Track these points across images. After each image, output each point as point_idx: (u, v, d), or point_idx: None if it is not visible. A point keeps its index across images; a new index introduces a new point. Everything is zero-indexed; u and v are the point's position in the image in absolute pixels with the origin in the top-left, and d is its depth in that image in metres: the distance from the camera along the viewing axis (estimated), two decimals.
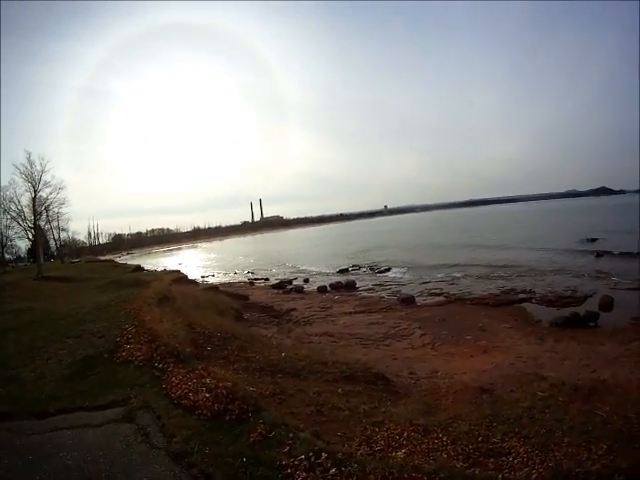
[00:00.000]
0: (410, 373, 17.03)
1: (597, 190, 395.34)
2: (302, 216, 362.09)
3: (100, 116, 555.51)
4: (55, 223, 72.53)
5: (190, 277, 51.46)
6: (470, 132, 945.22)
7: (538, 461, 7.20)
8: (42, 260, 61.14)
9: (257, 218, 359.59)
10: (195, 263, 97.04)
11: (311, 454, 7.10)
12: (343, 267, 58.97)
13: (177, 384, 10.33)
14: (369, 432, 8.87)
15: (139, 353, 12.92)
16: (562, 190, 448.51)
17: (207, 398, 9.18)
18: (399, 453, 7.85)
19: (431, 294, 36.75)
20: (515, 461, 7.36)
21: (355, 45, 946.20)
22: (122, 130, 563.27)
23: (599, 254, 48.34)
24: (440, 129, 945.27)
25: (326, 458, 7.00)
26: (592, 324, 24.15)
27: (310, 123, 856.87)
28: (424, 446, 8.14)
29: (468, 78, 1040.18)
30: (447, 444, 8.17)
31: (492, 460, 7.47)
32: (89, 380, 11.75)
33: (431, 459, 7.52)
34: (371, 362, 16.72)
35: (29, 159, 47.88)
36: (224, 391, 9.18)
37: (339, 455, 7.10)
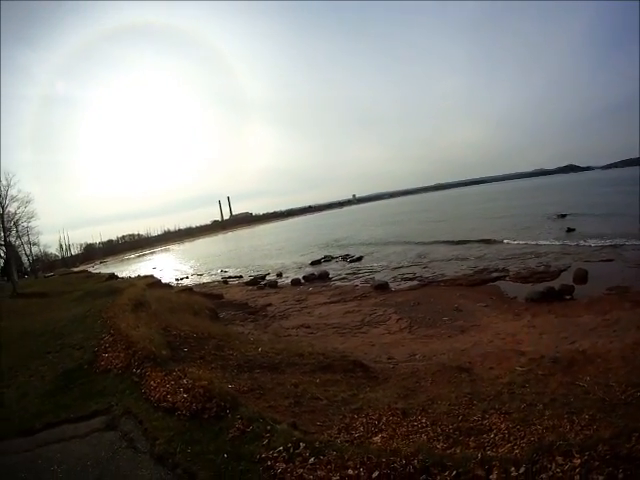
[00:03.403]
0: (388, 358, 17.06)
1: (564, 168, 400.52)
2: (271, 211, 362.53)
3: (61, 124, 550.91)
4: (26, 238, 71.22)
5: (164, 281, 51.19)
6: (433, 119, 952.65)
7: (520, 436, 7.28)
8: (16, 277, 60.28)
9: (227, 216, 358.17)
10: (168, 266, 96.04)
11: (289, 445, 7.29)
12: (315, 259, 59.19)
13: (155, 387, 10.54)
14: (348, 419, 9.05)
15: (117, 361, 13.12)
16: (530, 169, 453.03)
17: (185, 398, 9.40)
18: (377, 438, 8.02)
19: (404, 279, 37.25)
20: (496, 438, 7.44)
21: (313, 40, 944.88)
22: (84, 137, 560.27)
23: (570, 229, 48.90)
24: (403, 117, 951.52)
25: (304, 448, 7.16)
26: (568, 297, 24.59)
27: (272, 119, 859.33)
28: (403, 429, 8.27)
29: (427, 66, 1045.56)
30: (426, 426, 8.28)
31: (473, 438, 7.56)
32: (71, 393, 11.92)
33: (410, 442, 7.58)
34: (349, 350, 17.08)
35: None
36: (201, 390, 9.37)
37: (317, 444, 7.25)
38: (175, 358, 12.78)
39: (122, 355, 13.36)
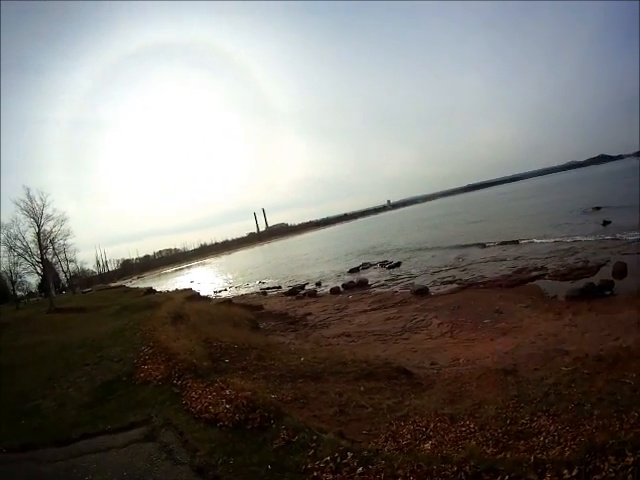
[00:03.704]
0: (431, 364, 16.71)
1: (596, 158, 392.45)
2: (306, 221, 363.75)
3: (92, 145, 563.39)
4: (62, 255, 72.41)
5: (202, 294, 51.34)
6: (460, 119, 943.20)
7: (570, 437, 6.98)
8: (53, 293, 61.45)
9: (262, 228, 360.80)
10: (206, 279, 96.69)
11: (337, 455, 7.00)
12: (353, 266, 58.47)
13: (197, 399, 10.27)
14: (394, 427, 8.75)
15: (157, 373, 12.91)
16: (562, 163, 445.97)
17: (228, 409, 9.11)
18: (426, 445, 7.70)
19: (444, 282, 36.44)
20: (546, 440, 7.12)
21: (336, 46, 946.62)
22: (117, 156, 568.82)
23: (606, 222, 47.37)
24: (430, 120, 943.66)
25: (352, 457, 6.88)
26: (608, 293, 23.76)
27: (303, 128, 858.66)
28: (452, 435, 8.00)
29: (454, 64, 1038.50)
30: (475, 431, 8.02)
31: (522, 442, 7.25)
32: (110, 404, 11.76)
33: (460, 448, 7.32)
34: (391, 357, 16.73)
35: (29, 194, 48.33)
36: (244, 401, 9.09)
37: (365, 453, 6.96)
38: (217, 369, 12.61)
39: (162, 367, 13.18)
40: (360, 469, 6.60)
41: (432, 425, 8.49)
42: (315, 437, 7.69)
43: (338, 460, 6.90)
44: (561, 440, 6.98)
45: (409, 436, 8.26)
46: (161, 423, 9.76)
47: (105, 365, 15.27)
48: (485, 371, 12.34)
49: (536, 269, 33.12)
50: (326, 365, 13.60)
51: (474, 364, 15.35)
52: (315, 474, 6.80)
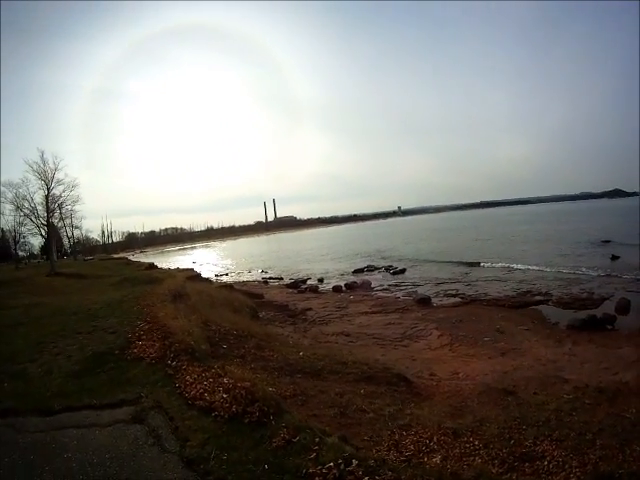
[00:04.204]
0: (430, 374, 16.73)
1: (611, 192, 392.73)
2: (315, 216, 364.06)
3: (113, 116, 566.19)
4: (68, 221, 74.51)
5: (204, 275, 51.75)
6: (481, 131, 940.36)
7: (575, 464, 7.07)
8: (55, 257, 61.92)
9: (271, 218, 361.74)
10: (209, 262, 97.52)
11: (340, 461, 6.48)
12: (358, 267, 58.55)
13: (192, 383, 9.70)
14: (397, 436, 8.46)
15: (151, 350, 12.33)
16: (575, 192, 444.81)
17: (225, 399, 8.51)
18: (434, 459, 7.43)
19: (447, 295, 36.57)
20: (551, 465, 7.19)
21: (363, 44, 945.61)
22: (135, 130, 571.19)
23: (614, 257, 47.47)
24: (450, 128, 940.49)
25: (357, 465, 6.40)
26: (609, 327, 23.89)
27: (322, 122, 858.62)
28: (456, 451, 7.86)
29: (477, 76, 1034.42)
30: (479, 448, 7.93)
31: (527, 464, 7.29)
32: (98, 377, 11.15)
33: (465, 464, 7.24)
34: (390, 363, 16.62)
35: (42, 157, 49.23)
36: (243, 391, 8.51)
37: (371, 462, 6.50)
38: (214, 354, 12.27)
39: (157, 345, 12.63)
40: (366, 478, 6.16)
41: (435, 438, 8.30)
42: (317, 439, 7.16)
43: (342, 467, 6.39)
44: (566, 466, 7.08)
45: (412, 447, 8.01)
46: (151, 405, 9.11)
47: (98, 335, 14.72)
48: (486, 388, 12.40)
49: (540, 294, 33.41)
50: (326, 363, 13.39)
51: (474, 380, 15.38)
52: None
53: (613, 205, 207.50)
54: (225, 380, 9.31)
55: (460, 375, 16.79)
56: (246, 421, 7.92)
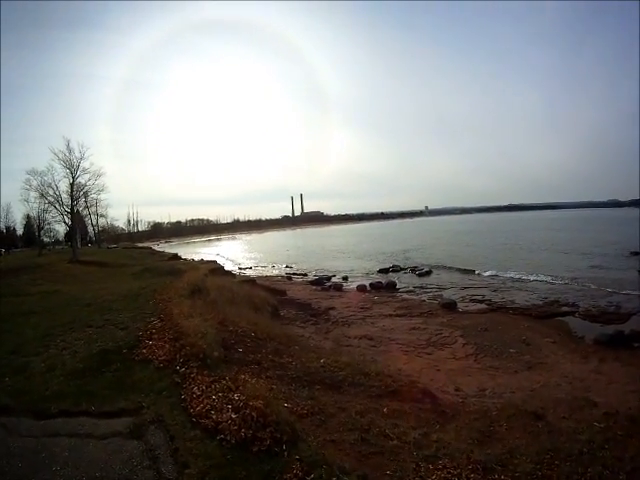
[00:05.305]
0: (456, 389, 15.98)
1: (638, 201, 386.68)
2: (342, 213, 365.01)
3: (141, 107, 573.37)
4: (93, 209, 77.67)
5: (227, 268, 51.41)
6: (511, 133, 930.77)
7: None
8: (79, 244, 63.47)
9: (297, 213, 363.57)
10: (233, 254, 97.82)
11: None
12: (384, 267, 57.72)
13: (199, 396, 8.83)
14: (422, 471, 7.56)
15: (161, 352, 11.60)
16: (603, 199, 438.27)
17: (233, 420, 7.64)
18: None
19: (473, 300, 35.68)
20: None
21: (395, 43, 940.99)
22: (163, 121, 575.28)
23: None
24: (480, 129, 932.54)
25: None
26: (636, 345, 22.69)
27: (351, 118, 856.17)
28: None
29: (509, 75, 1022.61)
30: None
31: None
32: (102, 378, 10.52)
33: None
34: (415, 374, 16.23)
35: (68, 146, 51.05)
36: (254, 413, 7.63)
37: None
38: (228, 359, 11.58)
39: (167, 346, 11.94)
40: None
41: (464, 474, 7.48)
42: (335, 479, 6.27)
43: None
44: None
45: None
46: (152, 418, 8.31)
47: (108, 331, 14.14)
48: (515, 411, 11.36)
49: (567, 304, 32.50)
50: (347, 373, 12.50)
51: (501, 398, 14.63)
52: None
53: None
54: (236, 396, 8.46)
55: (487, 392, 15.98)
56: (255, 449, 7.04)
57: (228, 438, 7.30)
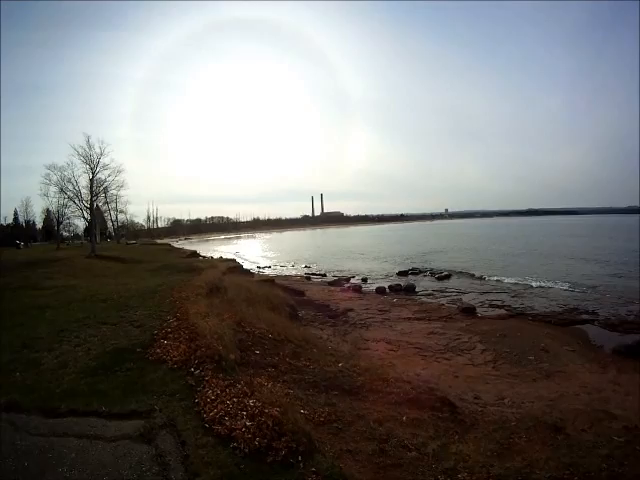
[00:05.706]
0: (475, 397, 15.45)
1: None
2: (362, 214, 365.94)
3: (162, 106, 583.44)
4: (113, 205, 78.93)
5: (245, 267, 51.77)
6: (533, 137, 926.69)
7: None
8: (98, 240, 64.76)
9: (317, 213, 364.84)
10: (252, 253, 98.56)
11: None
12: (403, 269, 57.57)
13: (213, 401, 8.51)
14: None
15: (175, 353, 11.32)
16: (623, 205, 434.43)
17: (248, 428, 7.32)
18: None
19: (492, 305, 35.42)
20: None
21: (418, 46, 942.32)
22: (184, 120, 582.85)
23: None
24: (501, 131, 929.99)
25: None
26: None
27: (372, 119, 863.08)
28: None
29: (530, 79, 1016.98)
30: None
31: None
32: (114, 377, 10.29)
33: None
34: (433, 380, 15.92)
35: (88, 142, 51.89)
36: (270, 421, 7.33)
37: None
38: (244, 361, 11.35)
39: (183, 347, 11.65)
40: None
41: None
42: None
43: None
44: None
45: None
46: (163, 422, 8.03)
47: (123, 328, 13.99)
48: (534, 422, 11.01)
49: (586, 312, 32.07)
50: (366, 379, 12.17)
51: (520, 408, 14.09)
52: None
53: None
54: (251, 402, 8.15)
55: (506, 401, 15.48)
56: (269, 460, 6.72)
57: (242, 447, 6.99)
